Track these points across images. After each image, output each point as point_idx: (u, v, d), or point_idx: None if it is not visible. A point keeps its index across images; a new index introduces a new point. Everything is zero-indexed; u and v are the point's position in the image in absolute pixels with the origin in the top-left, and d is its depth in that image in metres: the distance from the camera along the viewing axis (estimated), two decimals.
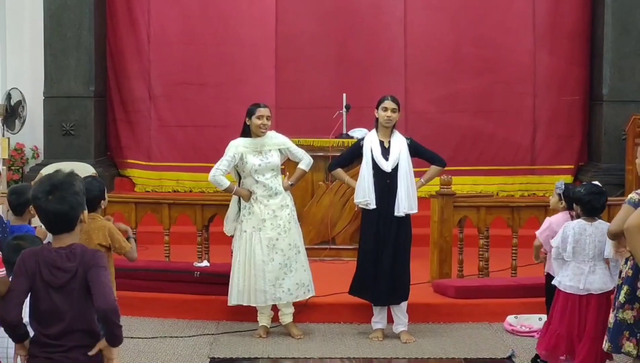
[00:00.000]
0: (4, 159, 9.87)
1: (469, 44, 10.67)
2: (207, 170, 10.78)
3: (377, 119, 6.60)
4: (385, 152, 6.50)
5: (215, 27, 10.72)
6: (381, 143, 6.54)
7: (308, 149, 8.47)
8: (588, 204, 5.56)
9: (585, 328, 5.49)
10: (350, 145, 8.75)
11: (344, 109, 9.25)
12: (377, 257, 6.50)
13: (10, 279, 3.57)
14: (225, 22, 10.72)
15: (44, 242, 5.33)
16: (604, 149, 10.31)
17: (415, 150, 6.64)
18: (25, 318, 3.64)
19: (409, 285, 6.62)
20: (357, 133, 9.03)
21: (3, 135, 9.98)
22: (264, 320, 6.69)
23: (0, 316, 3.51)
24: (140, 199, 8.21)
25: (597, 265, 5.52)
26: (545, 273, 6.19)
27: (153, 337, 6.60)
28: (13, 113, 10.10)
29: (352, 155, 6.80)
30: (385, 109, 6.53)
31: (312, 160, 6.82)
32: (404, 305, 6.62)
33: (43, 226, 5.70)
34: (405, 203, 6.45)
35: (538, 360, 5.94)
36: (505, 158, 10.71)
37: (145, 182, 10.87)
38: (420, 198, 6.78)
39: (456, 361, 6.21)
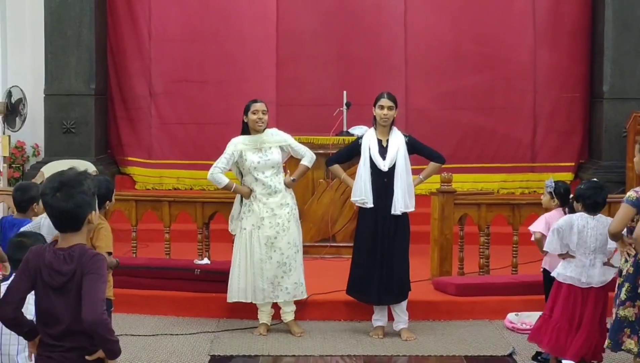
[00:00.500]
0: (4, 157, 9.87)
1: (470, 42, 10.66)
2: (208, 168, 10.76)
3: (374, 117, 6.60)
4: (383, 150, 6.49)
5: (216, 25, 10.71)
6: (379, 141, 6.54)
7: (309, 146, 8.47)
8: (589, 199, 5.58)
9: (582, 320, 5.51)
10: (350, 142, 8.80)
11: (345, 107, 9.25)
12: (375, 256, 6.49)
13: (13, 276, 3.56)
14: (226, 19, 10.72)
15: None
16: (605, 146, 10.30)
17: (414, 148, 6.64)
18: (30, 316, 3.64)
19: (409, 284, 6.62)
20: (357, 130, 9.02)
21: (4, 133, 9.99)
22: (264, 317, 6.69)
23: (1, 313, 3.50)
24: (140, 197, 8.22)
25: (597, 258, 5.56)
26: (542, 269, 6.22)
27: (153, 335, 6.60)
28: (14, 111, 10.10)
29: (350, 153, 6.79)
30: (382, 107, 6.53)
31: (314, 157, 6.79)
32: (404, 302, 6.62)
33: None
34: (401, 202, 6.45)
35: (539, 357, 5.95)
36: (505, 155, 10.71)
37: (145, 179, 10.87)
38: (420, 196, 6.80)
39: (457, 358, 6.21)
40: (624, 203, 5.20)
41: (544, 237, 5.89)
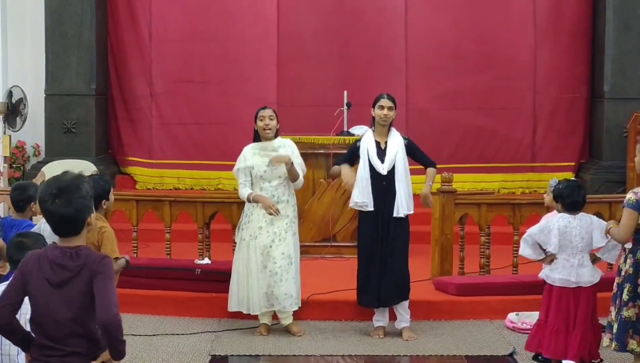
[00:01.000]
0: (5, 157, 9.88)
1: (470, 41, 10.66)
2: (208, 167, 10.87)
3: (373, 118, 6.59)
4: (382, 153, 6.48)
5: (216, 25, 10.72)
6: (377, 144, 6.52)
7: (309, 146, 8.53)
8: (569, 198, 5.59)
9: (576, 320, 5.51)
10: (351, 142, 8.80)
11: (345, 107, 9.25)
12: (377, 260, 6.48)
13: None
14: (227, 19, 10.72)
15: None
16: (605, 146, 10.30)
17: (411, 152, 6.61)
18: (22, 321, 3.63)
19: (409, 284, 6.61)
20: (358, 130, 9.02)
21: (4, 133, 9.99)
22: (264, 318, 6.69)
23: None
24: (141, 197, 8.21)
25: (584, 257, 5.54)
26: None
27: (154, 335, 6.60)
28: (14, 111, 10.11)
29: (352, 156, 6.73)
30: (382, 108, 6.51)
31: (302, 183, 6.71)
32: (405, 302, 6.62)
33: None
34: (404, 204, 6.45)
35: (539, 357, 5.94)
36: (506, 155, 10.71)
37: (146, 179, 10.88)
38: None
39: (457, 358, 6.21)
40: (625, 208, 5.18)
41: None
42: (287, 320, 6.69)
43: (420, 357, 6.25)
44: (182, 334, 6.64)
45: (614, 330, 5.30)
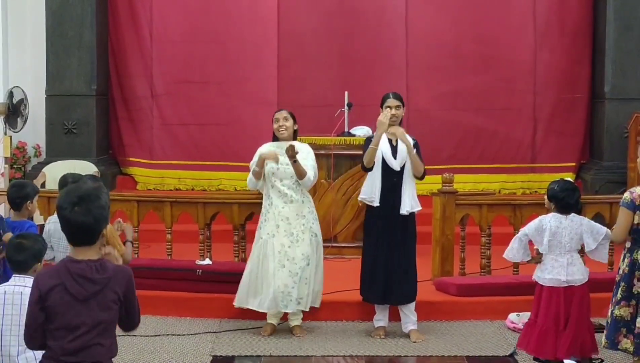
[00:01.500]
0: (6, 158, 9.88)
1: (470, 42, 10.67)
2: (209, 168, 10.87)
3: None
4: (394, 150, 6.50)
5: (217, 26, 10.72)
6: (389, 141, 6.54)
7: (310, 146, 8.50)
8: (562, 201, 5.63)
9: (568, 319, 5.52)
10: (351, 142, 8.82)
11: (346, 107, 9.25)
12: (382, 256, 6.49)
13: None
14: (228, 20, 10.73)
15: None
16: (606, 146, 10.30)
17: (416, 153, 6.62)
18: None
19: (416, 286, 6.62)
20: (358, 131, 9.02)
21: (5, 134, 9.99)
22: (273, 319, 6.70)
23: (28, 347, 3.56)
24: (142, 197, 8.21)
25: (573, 256, 5.58)
26: None
27: (155, 335, 6.61)
28: (15, 111, 10.11)
29: None
30: (390, 108, 6.53)
31: (311, 182, 6.60)
32: (412, 303, 6.63)
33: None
34: (410, 201, 6.45)
35: (540, 357, 5.95)
36: (506, 156, 10.71)
37: (147, 180, 10.89)
38: (422, 196, 6.79)
39: (458, 359, 6.22)
40: (621, 207, 5.23)
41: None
42: (296, 321, 6.70)
43: (422, 357, 6.25)
44: (184, 335, 6.64)
45: (606, 328, 5.35)
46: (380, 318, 6.66)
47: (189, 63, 10.78)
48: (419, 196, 6.66)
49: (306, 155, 6.61)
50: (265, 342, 6.49)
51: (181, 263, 7.56)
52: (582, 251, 5.75)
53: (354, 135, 8.95)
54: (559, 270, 5.56)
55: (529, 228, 5.67)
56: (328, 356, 6.25)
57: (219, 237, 8.16)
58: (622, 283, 5.25)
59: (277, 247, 6.49)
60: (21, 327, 4.24)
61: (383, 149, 6.49)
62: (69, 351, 3.38)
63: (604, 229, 5.60)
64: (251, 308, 6.62)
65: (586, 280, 5.60)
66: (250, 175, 6.63)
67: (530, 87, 10.70)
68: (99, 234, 3.45)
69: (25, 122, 10.23)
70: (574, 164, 10.76)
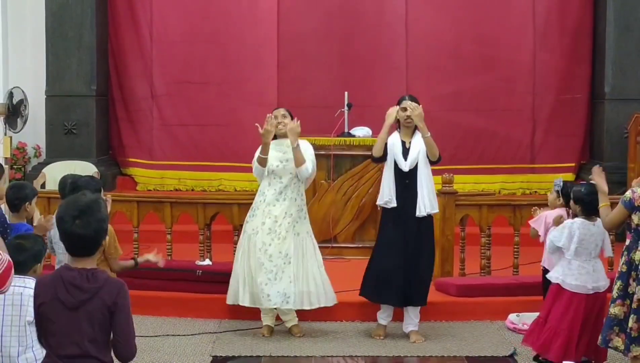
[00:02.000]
0: (6, 158, 9.89)
1: (470, 42, 10.67)
2: (209, 168, 10.87)
3: (398, 120, 6.60)
4: (406, 151, 6.50)
5: (217, 26, 10.72)
6: (403, 143, 6.54)
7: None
8: (589, 204, 5.62)
9: (585, 325, 5.53)
10: (352, 143, 8.83)
11: (346, 108, 9.25)
12: (398, 258, 6.45)
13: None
14: (228, 21, 10.73)
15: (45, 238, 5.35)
16: (606, 147, 10.30)
17: None
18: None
19: (428, 289, 6.62)
20: (359, 131, 9.03)
21: (5, 134, 10.00)
22: (267, 320, 6.70)
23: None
24: (142, 198, 8.22)
25: (597, 262, 5.60)
26: (542, 268, 6.25)
27: (155, 335, 6.61)
28: (15, 112, 10.12)
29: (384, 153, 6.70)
30: (405, 110, 6.53)
31: (309, 174, 6.63)
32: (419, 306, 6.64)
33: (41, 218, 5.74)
34: (427, 203, 6.43)
35: (540, 358, 5.95)
36: (506, 156, 10.71)
37: (147, 180, 10.89)
38: None
39: (458, 359, 6.22)
40: (620, 203, 5.25)
41: (539, 236, 6.01)
42: (290, 322, 6.70)
43: (421, 357, 6.26)
44: (183, 335, 6.64)
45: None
46: (384, 317, 6.65)
47: (189, 64, 10.79)
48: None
49: (305, 149, 6.64)
50: (265, 342, 6.49)
51: (181, 264, 7.56)
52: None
53: (353, 136, 8.95)
54: (586, 278, 5.58)
55: (557, 238, 5.67)
56: (328, 357, 6.24)
57: (219, 237, 8.16)
58: (619, 282, 5.25)
59: (258, 244, 6.50)
60: (21, 328, 4.25)
61: (395, 150, 6.50)
62: (65, 358, 3.40)
63: None
64: (239, 304, 6.61)
65: (608, 285, 5.60)
66: (255, 163, 6.63)
67: (530, 88, 10.71)
68: (99, 246, 3.47)
69: (25, 122, 10.25)
70: (573, 165, 10.76)
